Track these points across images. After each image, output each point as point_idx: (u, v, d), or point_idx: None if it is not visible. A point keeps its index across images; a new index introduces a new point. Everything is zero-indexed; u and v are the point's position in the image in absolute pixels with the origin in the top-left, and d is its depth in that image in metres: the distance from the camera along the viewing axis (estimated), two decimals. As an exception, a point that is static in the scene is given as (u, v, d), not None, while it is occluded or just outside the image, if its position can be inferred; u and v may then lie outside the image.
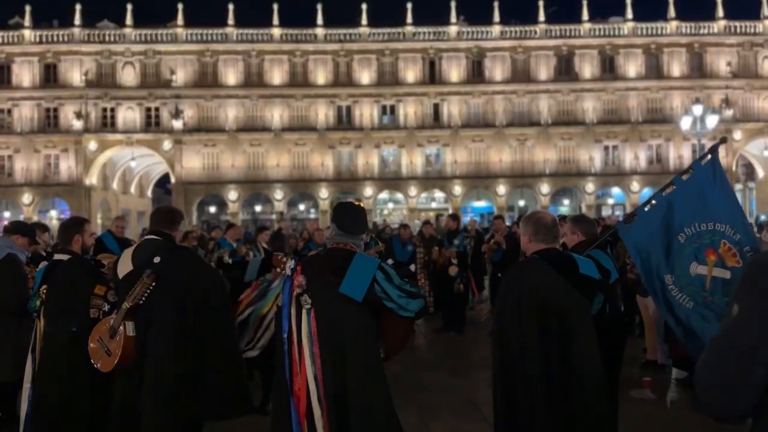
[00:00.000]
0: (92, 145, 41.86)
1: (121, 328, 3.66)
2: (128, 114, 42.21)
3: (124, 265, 3.88)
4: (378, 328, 3.39)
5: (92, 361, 3.76)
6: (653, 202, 4.20)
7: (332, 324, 3.25)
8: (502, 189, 43.25)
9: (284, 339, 3.32)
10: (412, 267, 10.62)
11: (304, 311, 3.28)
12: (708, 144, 39.34)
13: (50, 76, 42.18)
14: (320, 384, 3.22)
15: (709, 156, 4.09)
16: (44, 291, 4.24)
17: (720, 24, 43.76)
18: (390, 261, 10.76)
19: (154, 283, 3.69)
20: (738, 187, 43.56)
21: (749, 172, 47.36)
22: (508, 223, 12.79)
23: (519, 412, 3.32)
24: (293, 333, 3.29)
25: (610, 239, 4.57)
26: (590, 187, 43.47)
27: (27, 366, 4.28)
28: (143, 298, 3.67)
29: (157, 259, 3.79)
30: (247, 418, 4.14)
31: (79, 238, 4.43)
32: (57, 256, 4.47)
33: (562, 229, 4.24)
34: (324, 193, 42.90)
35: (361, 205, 3.92)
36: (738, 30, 43.89)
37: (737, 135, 43.05)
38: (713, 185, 3.99)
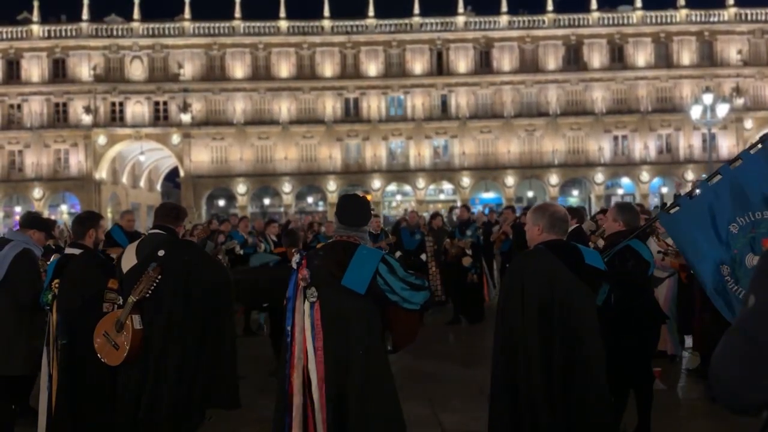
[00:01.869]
0: (101, 140, 42.05)
1: (128, 321, 3.70)
2: (137, 108, 42.33)
3: (129, 259, 3.92)
4: (384, 320, 3.38)
5: (99, 356, 3.79)
6: (697, 191, 4.12)
7: (336, 317, 3.26)
8: (510, 180, 43.10)
9: (288, 332, 3.33)
10: (423, 256, 10.61)
11: (307, 304, 3.28)
12: (719, 134, 39.12)
13: (59, 71, 42.34)
14: (320, 377, 3.22)
15: (760, 145, 3.94)
16: (56, 285, 4.27)
17: (730, 12, 43.30)
18: (398, 253, 10.77)
19: (159, 276, 3.72)
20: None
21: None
22: (517, 214, 12.74)
23: (519, 399, 3.30)
24: (296, 326, 3.30)
25: (649, 230, 4.50)
26: (599, 177, 43.24)
27: (43, 360, 4.32)
28: (149, 292, 3.70)
29: (161, 253, 3.82)
30: (252, 411, 4.18)
31: (93, 232, 4.47)
32: (69, 250, 4.51)
33: (608, 215, 4.24)
34: (332, 185, 42.92)
35: (366, 197, 3.91)
36: (749, 17, 43.41)
37: (748, 124, 42.67)
38: (765, 175, 3.83)
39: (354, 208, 3.54)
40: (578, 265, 3.40)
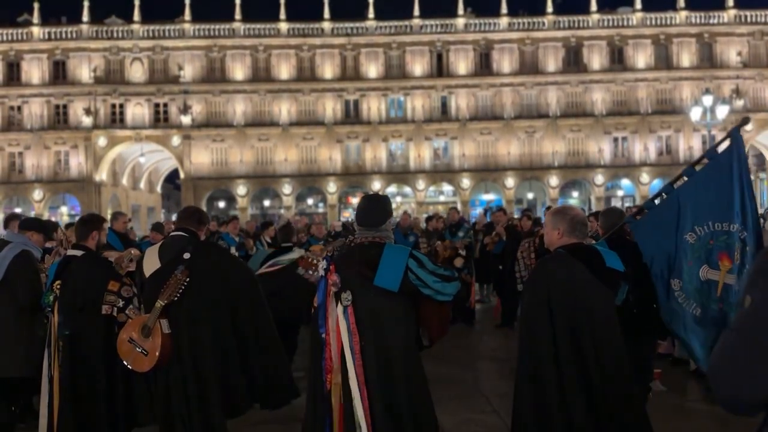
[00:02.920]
0: (101, 141, 42.07)
1: (157, 326, 3.64)
2: (137, 110, 42.36)
3: (151, 263, 3.87)
4: (417, 316, 3.39)
5: (125, 362, 3.74)
6: (663, 195, 3.94)
7: (371, 317, 3.26)
8: (510, 181, 43.11)
9: (322, 339, 3.31)
10: None
11: (341, 308, 3.27)
12: (719, 135, 39.15)
13: (59, 73, 42.37)
14: (361, 380, 3.21)
15: (728, 141, 3.67)
16: (58, 286, 4.28)
17: (730, 13, 43.33)
18: None
19: (187, 279, 3.67)
20: (749, 177, 43.16)
21: (760, 162, 46.95)
22: (516, 215, 12.75)
23: (550, 404, 3.24)
24: (329, 332, 3.29)
25: (614, 235, 4.41)
26: (599, 179, 43.26)
27: (44, 361, 4.33)
28: (177, 295, 3.65)
29: (187, 255, 3.77)
30: (254, 413, 4.18)
31: (96, 234, 4.48)
32: (70, 252, 4.52)
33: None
34: (332, 187, 42.93)
35: (385, 195, 3.87)
36: (748, 19, 43.43)
37: (748, 125, 42.61)
38: (731, 176, 3.55)
39: (369, 208, 3.51)
40: (600, 269, 3.37)
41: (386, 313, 3.26)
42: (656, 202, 3.99)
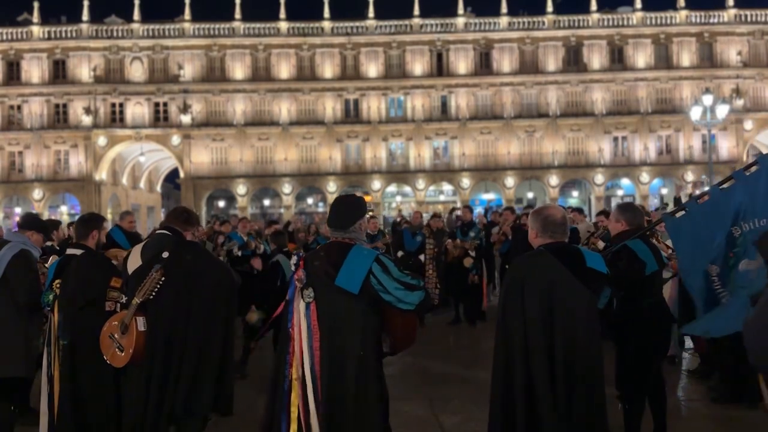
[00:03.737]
0: (101, 141, 42.07)
1: (132, 323, 3.69)
2: (137, 109, 42.35)
3: (134, 261, 3.91)
4: (381, 322, 3.37)
5: (104, 357, 3.80)
6: (706, 196, 4.14)
7: (331, 317, 3.28)
8: (510, 181, 43.11)
9: (289, 332, 3.36)
10: (422, 257, 10.59)
11: (303, 305, 3.31)
12: (719, 135, 39.11)
13: (59, 72, 42.36)
14: (317, 377, 3.23)
15: None
16: (58, 285, 4.27)
17: (730, 13, 43.32)
18: (400, 253, 10.75)
19: (163, 278, 3.71)
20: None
21: (760, 162, 46.97)
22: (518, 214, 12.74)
23: (517, 400, 3.28)
24: (295, 326, 3.33)
25: (650, 232, 4.48)
26: (599, 178, 43.26)
27: (43, 360, 4.32)
28: (153, 293, 3.69)
29: (165, 254, 3.81)
30: (253, 413, 4.18)
31: (96, 233, 4.48)
32: (70, 251, 4.51)
33: (612, 216, 4.27)
34: (332, 186, 42.93)
35: (360, 196, 3.87)
36: (748, 19, 43.43)
37: (748, 125, 42.69)
38: None
39: (338, 210, 3.53)
40: (580, 268, 3.37)
41: (345, 314, 3.26)
42: (699, 201, 4.18)
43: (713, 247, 3.88)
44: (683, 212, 4.18)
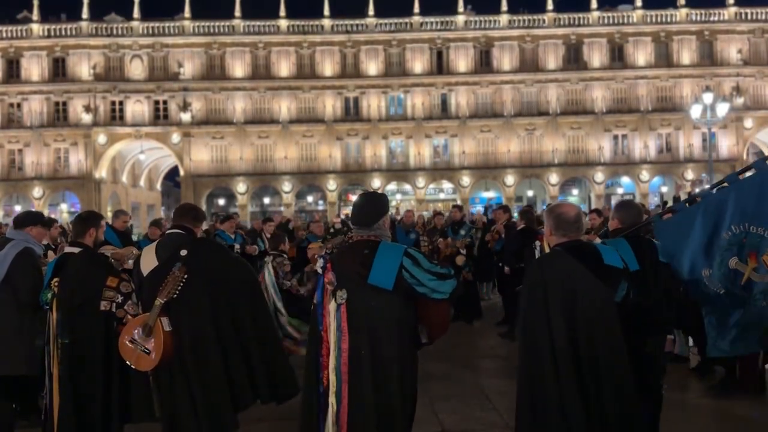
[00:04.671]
0: (101, 139, 42.05)
1: (158, 324, 3.64)
2: (136, 107, 42.33)
3: (149, 261, 3.87)
4: (416, 314, 3.39)
5: (128, 362, 3.75)
6: (698, 199, 4.12)
7: (367, 315, 3.26)
8: (510, 179, 43.10)
9: (320, 335, 3.35)
10: None
11: (333, 306, 3.29)
12: (719, 133, 39.10)
13: (59, 70, 42.33)
14: (345, 379, 3.22)
15: None
16: (56, 284, 4.26)
17: (730, 11, 43.28)
18: None
19: (185, 276, 3.67)
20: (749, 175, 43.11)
21: (760, 160, 46.96)
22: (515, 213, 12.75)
23: (547, 403, 3.23)
24: (327, 329, 3.32)
25: (635, 233, 4.40)
26: (599, 176, 43.25)
27: (46, 358, 4.32)
28: (177, 292, 3.65)
29: (184, 252, 3.77)
30: (256, 410, 4.17)
31: (94, 231, 4.46)
32: (68, 249, 4.49)
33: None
34: (332, 184, 42.92)
35: (381, 192, 3.88)
36: (749, 17, 43.39)
37: (748, 123, 42.67)
38: None
39: (364, 206, 3.51)
40: (598, 266, 3.35)
41: (381, 312, 3.26)
42: (688, 205, 4.15)
43: (708, 254, 3.86)
44: (671, 214, 4.21)
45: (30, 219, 5.12)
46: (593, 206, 39.32)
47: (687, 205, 4.16)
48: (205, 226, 6.19)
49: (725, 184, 3.96)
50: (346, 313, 3.26)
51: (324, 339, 3.32)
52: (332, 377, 3.25)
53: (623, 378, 3.29)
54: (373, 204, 3.54)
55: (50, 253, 6.53)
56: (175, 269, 3.67)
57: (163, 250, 3.89)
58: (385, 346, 3.24)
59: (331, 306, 3.29)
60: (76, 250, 4.37)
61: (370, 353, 3.23)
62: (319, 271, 3.40)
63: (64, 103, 42.18)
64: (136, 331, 3.72)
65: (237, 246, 9.96)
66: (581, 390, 3.21)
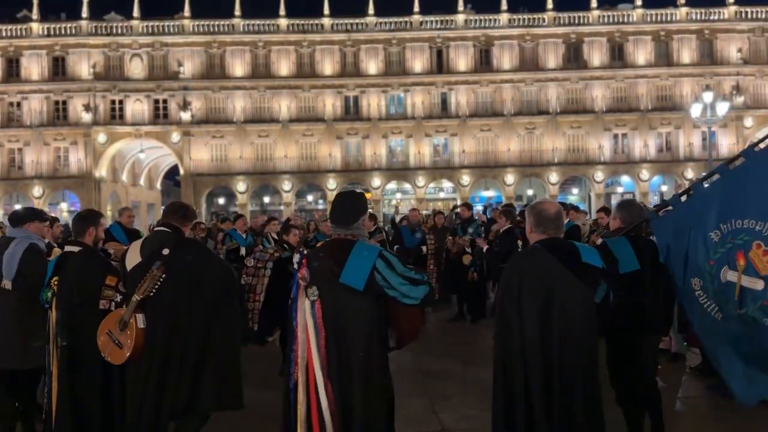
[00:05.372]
0: (101, 138, 42.04)
1: (132, 320, 3.67)
2: (136, 106, 42.32)
3: (133, 257, 3.89)
4: (386, 317, 3.38)
5: (102, 354, 3.79)
6: (691, 192, 3.97)
7: (336, 314, 3.26)
8: (510, 178, 43.10)
9: (294, 331, 3.35)
10: (424, 248, 10.60)
11: (308, 303, 3.29)
12: (719, 132, 39.12)
13: (59, 69, 42.31)
14: (325, 375, 3.23)
15: (767, 141, 3.66)
16: (56, 282, 4.26)
17: (731, 10, 43.27)
18: (396, 246, 10.77)
19: (163, 275, 3.69)
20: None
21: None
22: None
23: (515, 395, 3.31)
24: (299, 325, 3.32)
25: (633, 233, 4.36)
26: (599, 175, 43.24)
27: (46, 358, 4.31)
28: (153, 290, 3.67)
29: (165, 251, 3.78)
30: (255, 408, 4.18)
31: (93, 230, 4.45)
32: (68, 248, 4.49)
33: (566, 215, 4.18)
34: (332, 183, 42.91)
35: (361, 192, 3.85)
36: (749, 16, 43.38)
37: (748, 122, 42.66)
38: (766, 175, 3.49)
39: (341, 206, 3.50)
40: (575, 264, 3.37)
41: (351, 311, 3.25)
42: (683, 198, 4.02)
43: (697, 257, 3.67)
44: (669, 208, 4.08)
45: (27, 215, 5.10)
46: (593, 205, 39.38)
47: (681, 198, 4.05)
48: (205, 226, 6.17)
49: (716, 176, 3.81)
50: (320, 310, 3.27)
51: (296, 335, 3.32)
52: (301, 373, 3.25)
53: (588, 378, 3.31)
54: (352, 203, 3.53)
55: (56, 249, 6.51)
56: (154, 268, 3.68)
57: (147, 246, 3.91)
58: (352, 346, 3.23)
59: (306, 304, 3.29)
60: (75, 248, 4.37)
61: (337, 352, 3.22)
62: (295, 266, 3.39)
63: (64, 102, 42.16)
64: (113, 324, 3.76)
65: (242, 249, 9.91)
66: (546, 384, 3.25)
